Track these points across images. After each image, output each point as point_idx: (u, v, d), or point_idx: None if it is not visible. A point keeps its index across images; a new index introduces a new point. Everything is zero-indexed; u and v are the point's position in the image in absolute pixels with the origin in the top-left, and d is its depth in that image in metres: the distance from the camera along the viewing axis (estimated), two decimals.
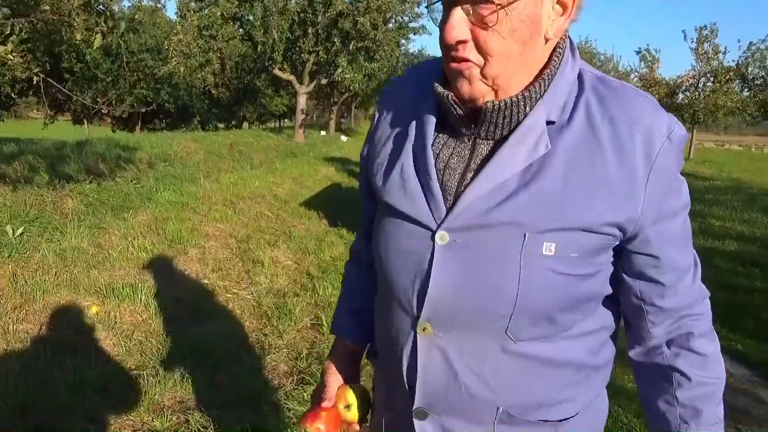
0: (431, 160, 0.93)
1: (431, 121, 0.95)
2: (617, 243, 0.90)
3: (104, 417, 2.69)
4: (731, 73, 23.69)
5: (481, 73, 0.86)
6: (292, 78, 19.26)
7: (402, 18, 19.48)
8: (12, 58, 3.91)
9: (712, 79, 24.00)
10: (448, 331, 0.93)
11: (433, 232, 0.90)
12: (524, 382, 0.93)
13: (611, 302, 0.98)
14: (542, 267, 0.85)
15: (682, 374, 0.95)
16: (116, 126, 27.30)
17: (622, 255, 0.93)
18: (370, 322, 1.17)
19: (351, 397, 1.09)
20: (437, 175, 0.92)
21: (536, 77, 0.88)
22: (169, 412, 2.79)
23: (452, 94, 0.90)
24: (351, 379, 1.16)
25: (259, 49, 18.11)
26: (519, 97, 0.87)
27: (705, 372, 0.95)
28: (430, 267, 0.91)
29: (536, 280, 0.86)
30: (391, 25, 18.89)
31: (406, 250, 0.95)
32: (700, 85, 24.34)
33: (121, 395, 2.88)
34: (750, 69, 23.67)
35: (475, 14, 0.83)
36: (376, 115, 1.09)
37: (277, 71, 18.67)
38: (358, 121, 49.44)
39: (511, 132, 0.89)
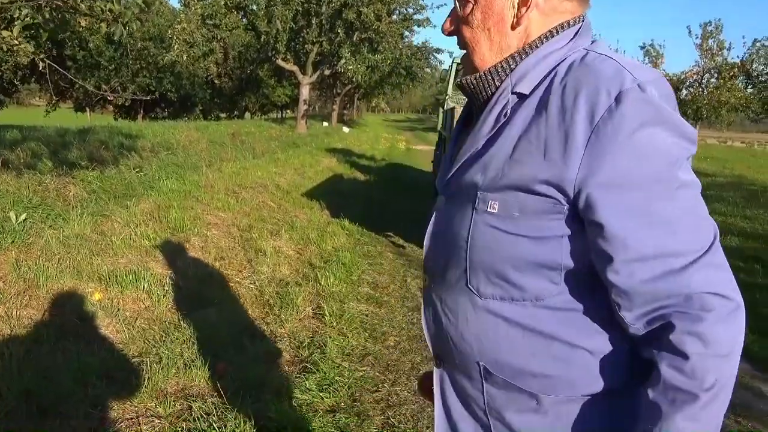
0: (454, 138, 1.12)
1: (467, 106, 1.13)
2: (568, 208, 0.88)
3: (107, 403, 2.70)
4: (735, 70, 23.61)
5: (466, 58, 1.04)
6: (295, 68, 19.21)
7: (406, 10, 19.40)
8: (17, 42, 3.90)
9: (716, 75, 23.94)
10: (435, 284, 1.08)
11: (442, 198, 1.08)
12: (495, 341, 0.97)
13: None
14: (486, 223, 0.94)
15: (656, 371, 0.83)
16: (118, 114, 27.24)
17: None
18: None
19: None
20: (452, 150, 1.10)
21: (509, 56, 0.99)
22: (171, 398, 2.81)
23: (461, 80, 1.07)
24: None
25: (262, 39, 18.06)
26: (486, 73, 1.00)
27: (682, 376, 0.80)
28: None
29: (481, 234, 0.95)
30: (395, 16, 18.82)
31: (431, 215, 1.12)
32: (704, 81, 24.28)
33: (124, 381, 2.89)
34: (754, 66, 23.60)
35: (459, 9, 1.01)
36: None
37: (280, 61, 18.63)
38: (361, 112, 49.34)
39: (487, 103, 1.00)
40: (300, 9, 17.46)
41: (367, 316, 4.25)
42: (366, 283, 5.01)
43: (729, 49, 23.83)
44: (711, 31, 23.73)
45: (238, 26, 18.61)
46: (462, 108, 1.17)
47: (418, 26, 20.11)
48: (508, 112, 0.94)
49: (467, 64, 1.04)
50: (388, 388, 3.22)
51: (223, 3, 16.87)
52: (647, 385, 0.85)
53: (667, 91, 0.88)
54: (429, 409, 3.00)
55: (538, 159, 0.88)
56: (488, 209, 0.94)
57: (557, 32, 0.98)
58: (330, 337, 3.74)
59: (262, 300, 4.26)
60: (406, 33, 21.05)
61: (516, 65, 0.97)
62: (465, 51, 1.04)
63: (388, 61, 19.48)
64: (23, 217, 4.23)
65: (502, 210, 0.93)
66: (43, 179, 5.24)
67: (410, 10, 19.49)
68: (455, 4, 1.02)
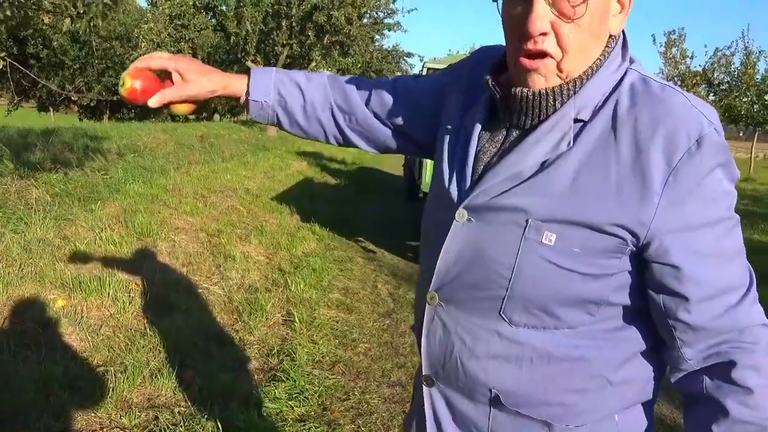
0: (473, 143, 0.99)
1: (488, 104, 1.00)
2: (632, 249, 0.87)
3: (70, 413, 2.63)
4: (698, 78, 24.19)
5: (558, 67, 0.88)
6: None
7: (377, 14, 19.41)
8: None
9: (679, 82, 24.48)
10: (449, 303, 0.99)
11: (456, 209, 0.96)
12: (517, 370, 0.94)
13: (642, 318, 0.94)
14: (539, 255, 0.88)
15: (720, 407, 0.86)
16: (83, 114, 26.65)
17: (645, 265, 0.88)
18: (286, 96, 1.17)
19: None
20: (472, 158, 0.98)
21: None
22: (137, 409, 2.75)
23: (490, 79, 0.94)
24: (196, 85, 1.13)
25: (231, 41, 17.89)
26: (549, 91, 0.88)
27: (748, 409, 0.84)
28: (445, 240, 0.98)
29: (531, 266, 0.88)
30: (365, 20, 18.82)
31: (435, 222, 1.02)
32: None
33: (88, 391, 2.82)
34: (716, 74, 24.20)
35: (557, 6, 0.83)
36: (469, 63, 1.12)
37: (249, 63, 18.45)
38: None
39: (540, 123, 0.91)
40: (270, 11, 17.35)
41: (337, 322, 4.23)
42: (336, 289, 4.99)
43: (692, 58, 24.42)
44: (675, 39, 24.27)
45: (207, 27, 18.44)
46: (477, 106, 1.02)
47: (389, 30, 20.15)
48: (572, 143, 0.88)
49: (553, 70, 0.87)
50: (359, 396, 3.21)
51: (191, 3, 16.69)
52: (706, 421, 0.87)
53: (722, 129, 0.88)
54: (399, 418, 3.00)
55: (609, 198, 0.84)
56: (542, 240, 0.87)
57: (611, 48, 0.92)
58: (300, 344, 3.71)
59: (230, 306, 4.21)
60: (377, 36, 21.08)
61: (581, 87, 0.89)
62: (555, 57, 0.86)
63: (359, 65, 19.49)
64: None
65: (560, 244, 0.87)
66: (3, 181, 5.09)
67: (381, 14, 19.53)
68: (548, 1, 0.84)
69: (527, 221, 0.88)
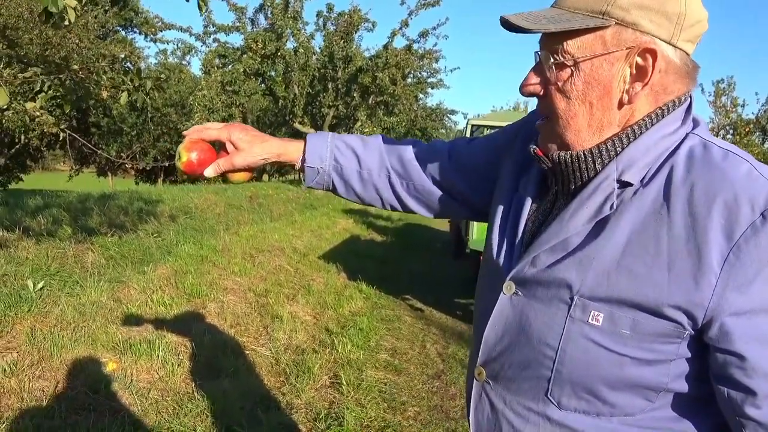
0: (525, 212, 0.95)
1: (539, 173, 0.98)
2: (691, 333, 0.78)
3: None
4: (751, 126, 23.61)
5: (555, 131, 0.88)
6: (312, 131, 19.48)
7: (420, 73, 19.82)
8: (39, 114, 4.00)
9: (731, 131, 23.93)
10: (496, 381, 0.94)
11: (503, 280, 0.92)
12: None
13: (711, 405, 0.84)
14: (585, 336, 0.82)
15: None
16: (139, 178, 27.80)
17: (708, 351, 0.80)
18: (344, 167, 1.16)
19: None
20: (522, 226, 0.94)
21: (614, 136, 0.86)
22: None
23: (534, 147, 0.93)
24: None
25: (280, 104, 18.49)
26: (586, 153, 0.86)
27: None
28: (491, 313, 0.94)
29: (577, 347, 0.83)
30: (409, 79, 19.21)
31: (485, 292, 0.99)
32: (721, 137, 24.27)
33: None
34: None
35: (548, 70, 0.85)
36: (523, 126, 1.10)
37: (297, 125, 18.98)
38: None
39: (584, 187, 0.87)
40: (317, 74, 17.92)
41: (385, 384, 4.13)
42: (384, 349, 4.89)
43: (743, 106, 23.90)
44: (724, 88, 23.86)
45: (257, 92, 19.10)
46: (530, 172, 1.00)
47: (432, 88, 20.51)
48: (615, 205, 0.83)
49: (550, 134, 0.89)
50: None
51: (242, 70, 17.37)
52: None
53: None
54: None
55: (661, 275, 0.77)
56: (589, 320, 0.81)
57: (667, 112, 0.85)
58: (347, 408, 3.61)
59: (278, 368, 4.17)
60: (421, 95, 21.46)
61: (622, 149, 0.85)
62: (548, 120, 0.89)
63: (404, 123, 19.79)
64: (41, 285, 4.22)
65: (608, 325, 0.80)
66: (62, 246, 5.27)
67: (424, 74, 19.92)
68: (541, 62, 0.87)
69: (572, 298, 0.83)
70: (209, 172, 1.09)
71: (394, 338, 5.25)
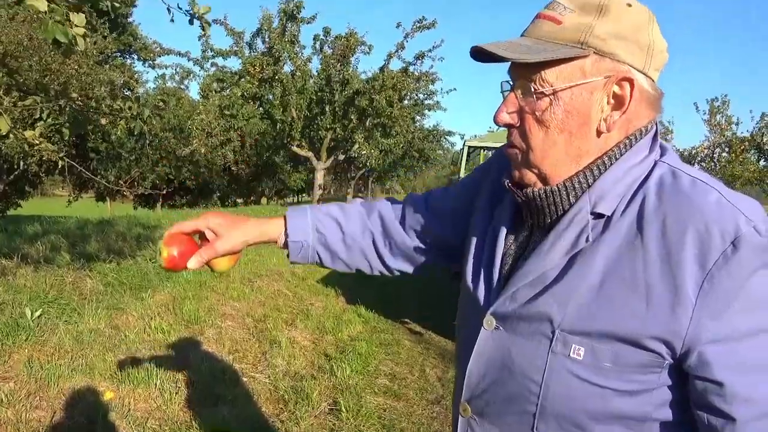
0: (500, 245, 0.95)
1: (513, 205, 0.97)
2: (670, 362, 0.79)
3: None
4: (746, 144, 23.74)
5: (528, 161, 0.87)
6: (310, 154, 19.65)
7: (417, 95, 19.98)
8: (38, 142, 4.03)
9: (726, 149, 24.05)
10: (482, 417, 0.94)
11: (484, 314, 0.92)
12: None
13: (693, 428, 0.85)
14: (567, 370, 0.82)
15: None
16: (138, 203, 27.79)
17: (686, 379, 0.81)
18: (325, 238, 1.17)
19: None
20: (499, 259, 0.94)
21: (586, 167, 0.86)
22: None
23: (507, 180, 0.93)
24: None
25: (278, 127, 18.59)
26: (560, 186, 0.86)
27: None
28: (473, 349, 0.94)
29: (560, 382, 0.83)
30: (406, 101, 19.35)
31: (466, 326, 0.98)
32: (716, 155, 24.38)
33: None
34: (764, 139, 23.72)
35: (523, 99, 0.85)
36: (498, 160, 1.09)
37: (295, 148, 19.08)
38: (375, 195, 49.95)
39: (559, 220, 0.87)
40: (314, 98, 18.06)
41: (385, 410, 4.11)
42: (383, 374, 4.87)
43: (737, 124, 24.04)
44: (718, 106, 24.03)
45: (255, 115, 19.22)
46: (503, 206, 1.00)
47: (429, 110, 20.65)
48: (590, 238, 0.83)
49: (525, 164, 0.88)
50: None
51: (240, 94, 17.51)
52: None
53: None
54: None
55: (639, 306, 0.78)
56: (571, 354, 0.81)
57: (635, 141, 0.86)
58: None
59: (276, 395, 4.14)
60: (418, 117, 21.60)
61: (594, 180, 0.85)
62: (522, 150, 0.87)
63: (401, 145, 19.91)
64: (38, 312, 4.22)
65: (589, 359, 0.80)
66: (60, 273, 5.27)
67: (421, 96, 20.07)
68: (514, 92, 0.86)
69: (554, 332, 0.83)
70: (192, 263, 1.07)
71: (394, 363, 5.23)
